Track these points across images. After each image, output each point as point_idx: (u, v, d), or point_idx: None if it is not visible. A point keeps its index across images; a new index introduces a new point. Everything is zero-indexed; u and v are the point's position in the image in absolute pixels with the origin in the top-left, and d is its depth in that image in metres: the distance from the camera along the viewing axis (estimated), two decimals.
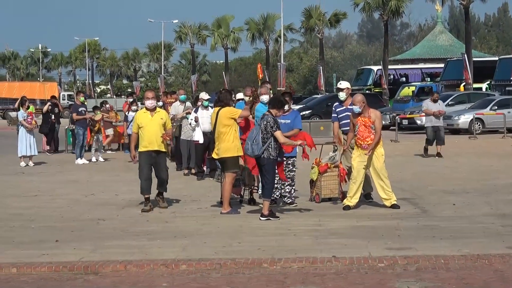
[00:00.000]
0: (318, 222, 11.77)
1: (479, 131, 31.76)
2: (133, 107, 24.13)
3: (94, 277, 8.92)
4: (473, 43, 67.23)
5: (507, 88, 39.09)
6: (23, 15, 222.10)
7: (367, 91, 47.54)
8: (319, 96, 49.98)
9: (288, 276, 8.69)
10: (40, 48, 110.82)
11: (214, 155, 13.15)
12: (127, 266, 9.14)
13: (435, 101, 22.78)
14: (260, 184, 12.97)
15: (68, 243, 10.44)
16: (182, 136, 19.24)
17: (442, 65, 50.71)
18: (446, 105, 25.76)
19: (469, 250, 9.43)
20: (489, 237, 10.26)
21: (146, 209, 13.24)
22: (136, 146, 13.64)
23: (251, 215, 12.51)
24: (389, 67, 53.57)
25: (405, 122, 35.15)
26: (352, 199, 12.92)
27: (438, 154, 22.39)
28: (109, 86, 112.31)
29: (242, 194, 13.76)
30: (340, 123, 13.72)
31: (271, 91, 14.41)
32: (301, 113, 25.02)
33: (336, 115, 13.85)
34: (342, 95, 13.84)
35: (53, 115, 27.21)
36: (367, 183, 13.34)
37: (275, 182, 12.61)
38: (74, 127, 24.22)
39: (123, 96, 68.90)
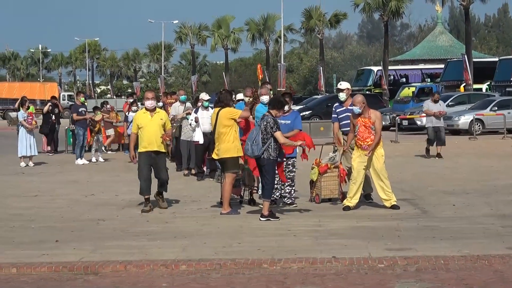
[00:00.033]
0: (318, 222, 11.77)
1: (479, 132, 31.77)
2: (133, 108, 24.13)
3: (94, 277, 8.92)
4: (473, 43, 67.24)
5: (507, 89, 39.08)
6: (23, 15, 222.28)
7: (367, 92, 47.55)
8: (319, 96, 50.01)
9: (288, 277, 8.70)
10: (40, 48, 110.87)
11: (214, 156, 13.16)
12: (127, 266, 9.14)
13: (435, 101, 22.78)
14: (260, 184, 12.97)
15: (68, 243, 10.45)
16: (182, 136, 19.24)
17: (442, 66, 50.70)
18: (446, 106, 25.73)
19: (469, 250, 9.43)
20: (489, 238, 10.27)
21: (146, 209, 13.24)
22: (136, 147, 13.64)
23: (251, 216, 12.51)
24: (389, 67, 53.57)
25: (405, 122, 35.15)
26: (352, 200, 12.92)
27: (438, 155, 22.39)
28: (109, 87, 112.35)
29: (242, 194, 13.76)
30: (340, 123, 13.73)
31: (271, 92, 14.42)
32: (301, 114, 25.01)
33: (336, 115, 13.86)
34: (342, 96, 13.85)
35: (53, 116, 27.21)
36: (367, 183, 13.34)
37: (275, 182, 12.62)
38: (74, 128, 24.22)
39: (123, 97, 68.97)
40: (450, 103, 34.25)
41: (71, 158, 23.98)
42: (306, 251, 9.57)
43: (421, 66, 59.61)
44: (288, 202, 13.41)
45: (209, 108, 17.62)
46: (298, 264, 9.07)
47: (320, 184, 13.66)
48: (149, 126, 13.36)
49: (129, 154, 14.96)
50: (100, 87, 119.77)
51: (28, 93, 49.51)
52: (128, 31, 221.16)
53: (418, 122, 33.86)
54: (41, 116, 27.98)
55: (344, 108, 13.71)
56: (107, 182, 18.13)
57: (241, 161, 13.12)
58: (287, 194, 13.43)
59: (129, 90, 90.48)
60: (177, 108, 19.81)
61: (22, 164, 22.17)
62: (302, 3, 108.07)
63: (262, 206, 12.28)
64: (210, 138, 15.61)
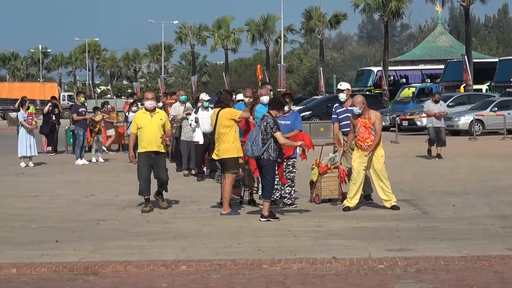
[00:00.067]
0: (318, 223, 11.77)
1: (479, 132, 31.78)
2: (133, 108, 24.13)
3: (94, 277, 8.92)
4: (473, 44, 67.25)
5: (507, 90, 39.10)
6: (23, 15, 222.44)
7: (367, 92, 47.56)
8: (319, 97, 50.00)
9: (288, 277, 8.70)
10: (40, 48, 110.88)
11: (214, 156, 13.16)
12: (127, 266, 9.14)
13: (436, 102, 22.77)
14: (260, 185, 12.97)
15: (68, 243, 10.45)
16: (182, 137, 19.24)
17: (442, 67, 50.70)
18: (446, 106, 25.71)
19: (469, 251, 9.43)
20: (489, 239, 10.27)
21: (146, 209, 13.23)
22: (136, 147, 13.63)
23: (251, 216, 12.51)
24: (389, 68, 53.57)
25: (405, 123, 35.15)
26: (352, 200, 12.92)
27: (439, 156, 22.39)
28: (109, 87, 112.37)
29: (242, 195, 13.76)
30: (340, 124, 13.73)
31: (271, 92, 14.42)
32: (301, 114, 25.00)
33: (336, 116, 13.86)
34: (342, 96, 13.85)
35: (53, 116, 27.21)
36: (367, 184, 13.34)
37: (275, 183, 12.62)
38: (74, 128, 24.22)
39: (123, 97, 68.97)
40: (450, 104, 34.24)
41: (71, 158, 23.97)
42: (306, 252, 9.57)
43: (421, 66, 59.64)
44: (288, 203, 13.41)
45: (209, 108, 17.61)
46: (298, 265, 9.07)
47: (320, 185, 13.66)
48: (148, 127, 13.35)
49: (129, 154, 14.95)
50: (100, 87, 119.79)
51: (28, 93, 49.49)
52: (128, 31, 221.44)
53: (418, 123, 33.87)
54: (41, 116, 27.98)
55: (344, 108, 13.71)
56: (107, 182, 18.13)
57: (241, 161, 13.12)
58: (287, 195, 13.43)
59: (129, 91, 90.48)
60: (177, 109, 19.81)
61: (22, 164, 22.17)
62: (302, 3, 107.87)
63: (262, 207, 12.29)
64: (210, 138, 15.61)
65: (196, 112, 17.89)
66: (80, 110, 23.11)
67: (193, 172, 18.73)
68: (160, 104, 22.01)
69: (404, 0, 51.90)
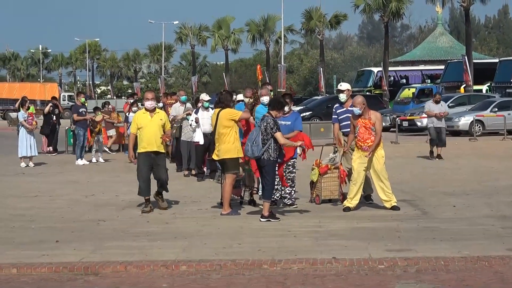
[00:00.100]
0: (318, 223, 11.78)
1: (479, 133, 31.76)
2: (134, 108, 24.13)
3: (94, 277, 8.92)
4: (474, 45, 67.26)
5: (507, 90, 39.10)
6: (23, 15, 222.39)
7: (367, 93, 47.56)
8: (319, 97, 50.00)
9: (288, 278, 8.70)
10: (40, 48, 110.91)
11: (214, 156, 13.16)
12: (127, 267, 9.14)
13: (437, 102, 22.77)
14: (260, 185, 12.97)
15: (68, 243, 10.45)
16: (182, 137, 19.24)
17: (442, 67, 50.70)
18: (447, 107, 25.70)
19: (469, 252, 9.43)
20: (489, 239, 10.27)
21: (146, 210, 13.23)
22: (136, 147, 13.62)
23: (251, 216, 12.52)
24: (390, 68, 53.57)
25: (405, 124, 35.14)
26: (352, 201, 12.92)
27: (439, 156, 22.39)
28: (109, 87, 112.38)
29: (242, 195, 13.77)
30: (341, 124, 13.74)
31: (271, 93, 14.42)
32: (302, 115, 24.99)
33: (336, 116, 13.86)
34: (342, 97, 13.85)
35: (54, 116, 27.20)
36: (367, 184, 13.34)
37: (275, 183, 12.62)
38: (74, 128, 24.22)
39: (123, 97, 68.96)
40: (450, 104, 34.20)
41: (71, 158, 23.98)
42: (306, 252, 9.57)
43: (421, 67, 59.66)
44: (288, 203, 13.41)
45: (210, 108, 17.62)
46: (298, 265, 9.07)
47: (321, 185, 13.66)
48: (148, 127, 13.34)
49: (128, 154, 14.95)
50: (100, 87, 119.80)
51: (28, 94, 49.47)
52: (128, 31, 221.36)
53: (418, 123, 33.86)
54: (42, 116, 27.97)
55: (345, 109, 13.71)
56: (107, 182, 18.13)
57: (241, 162, 13.12)
58: (287, 195, 13.43)
59: (129, 91, 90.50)
60: (177, 109, 19.81)
61: (23, 164, 22.17)
62: (303, 4, 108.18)
63: (262, 207, 12.29)
64: (210, 138, 15.62)
65: (196, 113, 17.89)
66: (80, 110, 23.12)
67: (193, 172, 18.73)
68: (160, 105, 22.00)
69: (404, 0, 51.88)
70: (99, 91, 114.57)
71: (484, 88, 43.81)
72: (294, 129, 13.18)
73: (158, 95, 33.65)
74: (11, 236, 11.15)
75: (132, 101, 25.88)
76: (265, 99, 13.57)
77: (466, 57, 42.65)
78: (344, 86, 14.03)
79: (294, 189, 13.48)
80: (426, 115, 23.98)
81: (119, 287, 8.54)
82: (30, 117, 22.61)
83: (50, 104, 27.84)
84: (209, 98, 18.39)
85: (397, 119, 32.97)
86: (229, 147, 12.75)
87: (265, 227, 11.50)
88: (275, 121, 12.16)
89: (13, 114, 47.30)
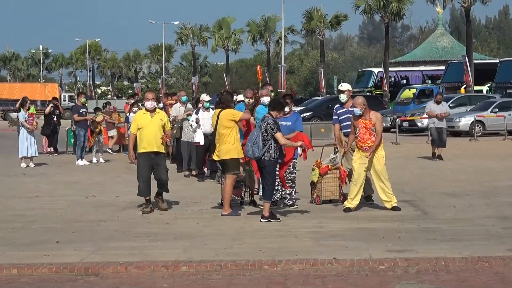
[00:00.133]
0: (318, 224, 11.77)
1: (480, 134, 31.78)
2: (134, 109, 24.12)
3: (95, 278, 8.92)
4: (474, 45, 67.23)
5: (507, 91, 39.13)
6: (23, 16, 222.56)
7: (368, 93, 47.63)
8: (319, 98, 50.02)
9: (289, 278, 8.70)
10: (41, 49, 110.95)
11: (214, 157, 13.16)
12: (128, 267, 9.14)
13: (438, 102, 22.76)
14: (260, 185, 12.97)
15: (69, 244, 10.45)
16: (183, 137, 19.24)
17: (443, 68, 50.73)
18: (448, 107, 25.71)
19: (470, 252, 9.43)
20: (489, 240, 10.27)
21: (147, 210, 13.22)
22: (136, 147, 13.61)
23: (252, 217, 12.52)
24: (390, 69, 53.59)
25: (405, 124, 35.17)
26: (352, 201, 12.91)
27: (439, 156, 22.38)
28: (110, 88, 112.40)
29: (242, 195, 13.76)
30: (341, 125, 13.73)
31: (272, 93, 14.42)
32: (302, 115, 25.01)
33: (337, 117, 13.86)
34: (343, 97, 13.85)
35: (55, 117, 27.20)
36: (368, 185, 13.34)
37: (276, 183, 12.62)
38: (75, 128, 24.22)
39: (124, 98, 68.96)
40: (451, 105, 34.18)
41: (72, 159, 23.98)
42: (307, 253, 9.57)
43: (422, 67, 59.72)
44: (289, 204, 13.41)
45: (210, 109, 17.61)
46: (298, 266, 9.07)
47: (321, 186, 13.66)
48: (149, 127, 13.33)
49: (129, 154, 14.95)
50: (101, 88, 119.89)
51: (28, 94, 49.34)
52: (129, 32, 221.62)
53: (419, 124, 33.89)
54: (43, 117, 27.97)
55: (345, 109, 13.71)
56: (107, 183, 18.13)
57: (241, 162, 13.12)
58: (287, 196, 13.42)
59: (130, 91, 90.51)
60: (178, 109, 19.81)
61: (23, 165, 22.17)
62: (303, 4, 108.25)
63: (262, 207, 12.29)
64: (210, 139, 15.61)
65: (197, 113, 17.89)
66: (81, 110, 23.12)
67: (193, 173, 18.73)
68: (161, 105, 22.00)
69: (405, 1, 51.90)
70: (99, 91, 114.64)
71: (484, 88, 43.84)
72: (295, 130, 13.18)
73: (158, 96, 33.63)
74: (11, 237, 11.15)
75: (132, 101, 25.89)
76: (266, 99, 13.57)
77: (466, 57, 42.67)
78: (345, 86, 14.03)
79: (294, 189, 13.47)
80: (426, 116, 23.97)
81: None
82: (31, 118, 22.61)
83: (51, 105, 27.83)
84: (210, 98, 18.38)
85: (397, 119, 32.99)
86: (229, 147, 12.75)
87: (265, 228, 11.50)
88: (276, 122, 12.15)
89: (13, 115, 47.36)
